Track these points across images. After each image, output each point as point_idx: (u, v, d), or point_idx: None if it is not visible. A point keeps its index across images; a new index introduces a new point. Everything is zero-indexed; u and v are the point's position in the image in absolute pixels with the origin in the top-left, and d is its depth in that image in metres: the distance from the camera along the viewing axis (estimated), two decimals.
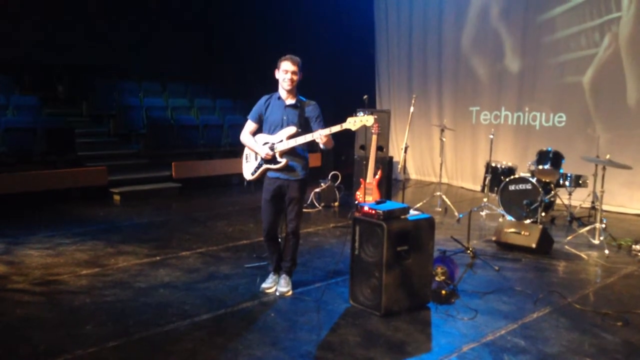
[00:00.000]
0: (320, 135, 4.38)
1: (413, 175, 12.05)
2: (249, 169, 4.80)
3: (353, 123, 4.36)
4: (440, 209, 8.50)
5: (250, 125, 4.75)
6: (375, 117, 4.56)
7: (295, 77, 4.52)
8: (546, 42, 9.43)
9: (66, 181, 8.62)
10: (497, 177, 7.99)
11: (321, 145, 4.47)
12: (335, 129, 4.39)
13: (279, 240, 4.91)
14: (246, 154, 4.85)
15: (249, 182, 4.84)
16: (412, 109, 7.29)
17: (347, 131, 4.54)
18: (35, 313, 4.30)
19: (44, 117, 9.82)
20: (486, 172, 8.18)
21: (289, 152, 4.56)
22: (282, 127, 4.56)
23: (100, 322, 4.13)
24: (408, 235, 4.32)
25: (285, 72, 4.48)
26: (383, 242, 4.18)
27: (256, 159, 4.72)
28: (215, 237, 6.67)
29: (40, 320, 4.17)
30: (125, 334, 3.93)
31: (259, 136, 4.70)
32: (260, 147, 4.62)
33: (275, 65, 4.56)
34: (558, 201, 7.79)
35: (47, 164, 8.79)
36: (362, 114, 4.41)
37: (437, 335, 4.05)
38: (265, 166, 4.64)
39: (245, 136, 4.76)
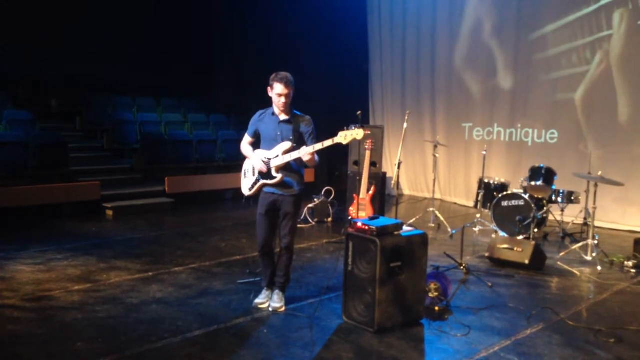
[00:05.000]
0: (313, 149, 4.40)
1: (406, 191, 12.06)
2: (246, 185, 4.81)
3: (344, 137, 4.38)
4: (433, 225, 8.51)
5: (247, 139, 4.83)
6: (368, 132, 4.57)
7: (289, 100, 4.55)
8: (538, 59, 9.53)
9: (59, 196, 8.57)
10: (490, 193, 8.02)
11: (304, 161, 4.49)
12: (327, 143, 4.42)
13: (274, 255, 4.91)
14: (245, 170, 4.87)
15: (247, 197, 4.84)
16: (405, 125, 7.34)
17: (340, 146, 4.56)
18: (26, 329, 4.26)
19: (37, 131, 9.81)
20: (479, 188, 8.21)
21: (285, 168, 4.58)
22: (277, 142, 4.59)
23: (91, 339, 4.09)
24: (401, 251, 4.33)
25: (279, 95, 4.49)
26: (376, 258, 4.18)
27: (253, 174, 4.73)
28: (208, 253, 6.65)
29: (31, 336, 4.13)
30: (117, 351, 3.89)
31: (257, 152, 4.74)
32: (255, 156, 4.66)
33: (269, 81, 4.57)
34: (550, 217, 7.82)
35: (40, 178, 8.74)
36: (353, 128, 4.43)
37: (430, 352, 4.04)
38: (262, 182, 4.65)
39: (243, 145, 4.86)
